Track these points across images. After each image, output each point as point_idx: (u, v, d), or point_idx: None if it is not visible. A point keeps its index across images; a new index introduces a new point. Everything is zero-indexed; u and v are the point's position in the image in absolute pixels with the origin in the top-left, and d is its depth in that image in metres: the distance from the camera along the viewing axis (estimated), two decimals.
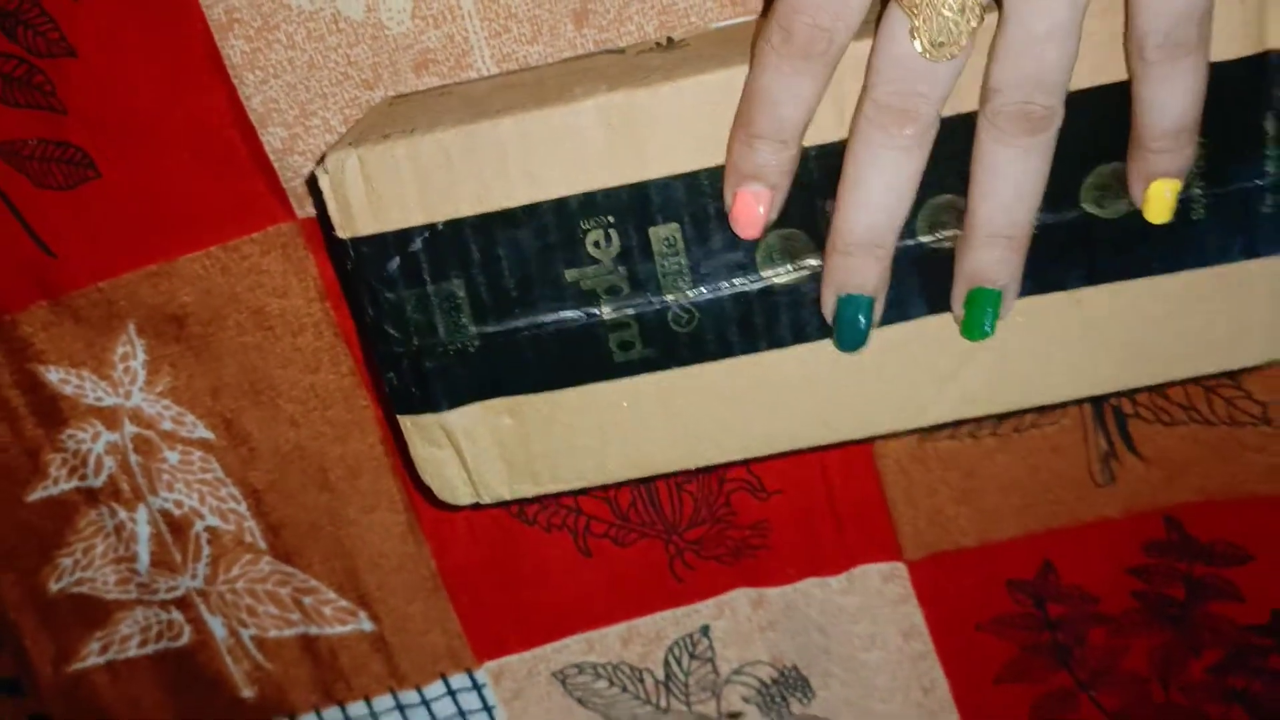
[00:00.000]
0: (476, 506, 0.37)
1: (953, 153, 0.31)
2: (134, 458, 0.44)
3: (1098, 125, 0.31)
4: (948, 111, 0.31)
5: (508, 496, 0.37)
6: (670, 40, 0.37)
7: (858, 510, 0.46)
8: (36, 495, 0.44)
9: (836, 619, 0.48)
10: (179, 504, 0.45)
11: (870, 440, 0.40)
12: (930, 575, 0.47)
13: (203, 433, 0.43)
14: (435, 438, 0.36)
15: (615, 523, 0.46)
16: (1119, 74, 0.30)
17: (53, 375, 0.42)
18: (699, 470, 0.41)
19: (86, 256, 0.40)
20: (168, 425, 0.43)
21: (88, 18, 0.37)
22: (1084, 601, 0.48)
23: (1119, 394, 0.42)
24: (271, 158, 0.39)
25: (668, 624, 0.48)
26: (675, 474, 0.42)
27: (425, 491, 0.37)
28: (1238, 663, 0.49)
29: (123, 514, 0.45)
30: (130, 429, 0.43)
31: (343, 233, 0.33)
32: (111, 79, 0.38)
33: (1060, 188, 0.32)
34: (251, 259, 0.41)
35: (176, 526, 0.45)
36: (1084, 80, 0.30)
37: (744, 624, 0.48)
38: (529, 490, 0.37)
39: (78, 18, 0.37)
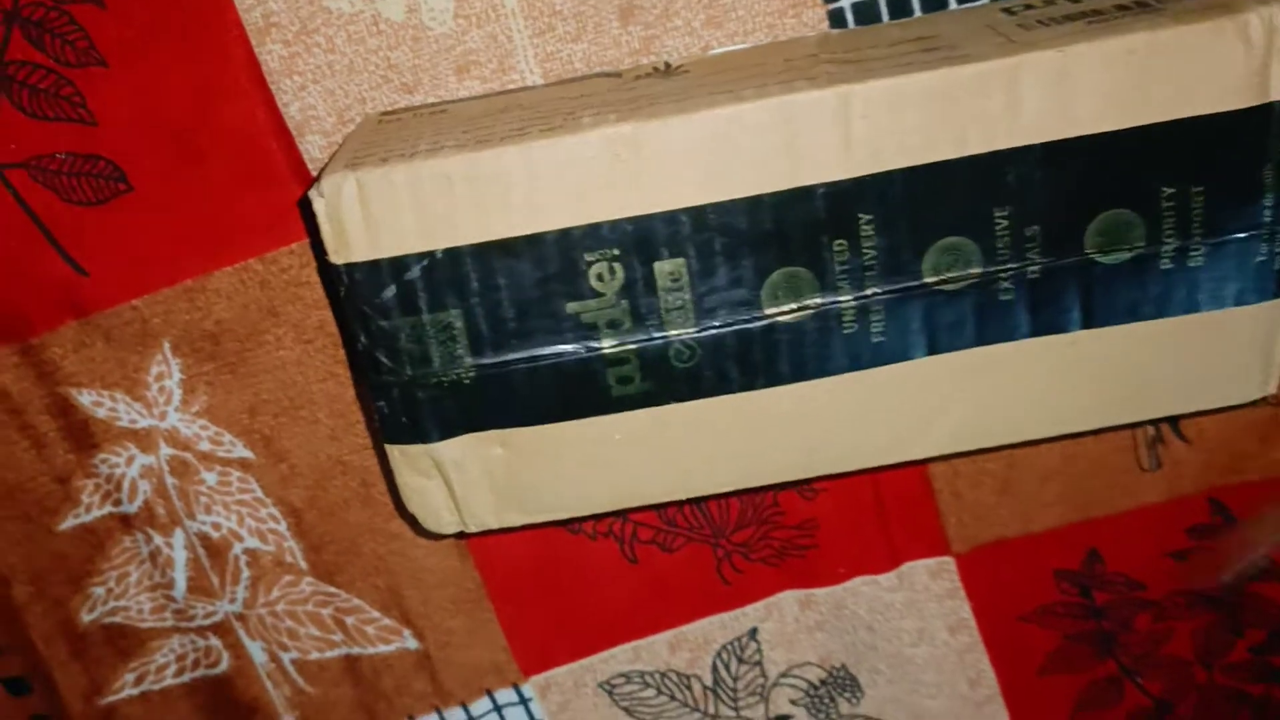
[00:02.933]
0: (461, 535, 0.37)
1: (960, 195, 0.31)
2: (170, 480, 0.42)
3: (1105, 171, 0.31)
4: (956, 154, 0.31)
5: (494, 525, 0.36)
6: (668, 65, 0.36)
7: (905, 505, 0.45)
8: (67, 524, 0.43)
9: (885, 616, 0.47)
10: (217, 526, 0.43)
11: (857, 473, 0.40)
12: (978, 568, 0.47)
13: (241, 452, 0.42)
14: (423, 467, 0.35)
15: (662, 528, 0.45)
16: (1127, 120, 0.31)
17: (84, 398, 0.41)
18: (686, 500, 0.41)
19: (119, 273, 0.39)
20: (205, 446, 0.42)
21: (118, 26, 0.36)
22: (1129, 588, 0.48)
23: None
24: (310, 166, 0.38)
25: (715, 629, 0.47)
26: (661, 505, 0.41)
27: (410, 520, 0.37)
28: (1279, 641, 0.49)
29: (158, 539, 0.43)
30: (166, 451, 0.42)
31: (336, 258, 0.32)
32: (143, 88, 0.37)
33: (1065, 232, 0.32)
34: (291, 271, 0.39)
35: (214, 550, 0.43)
36: (1090, 126, 0.31)
37: (791, 625, 0.47)
38: (516, 520, 0.36)
39: (107, 26, 0.36)
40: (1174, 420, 0.44)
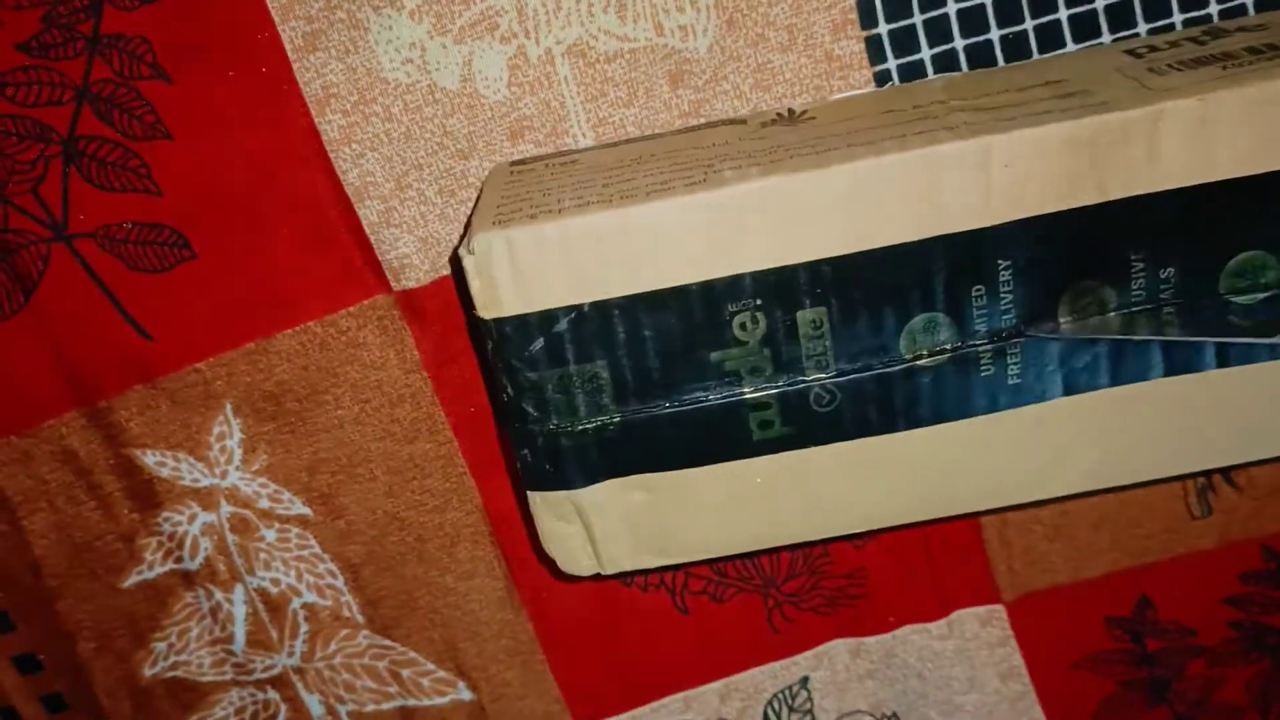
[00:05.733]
0: (598, 578, 0.37)
1: (1096, 240, 0.32)
2: (231, 538, 0.43)
3: (1242, 214, 0.32)
4: (1095, 199, 0.31)
5: (630, 568, 0.37)
6: (791, 112, 0.37)
7: (954, 553, 0.46)
8: (131, 581, 0.43)
9: (935, 664, 0.47)
10: (276, 582, 0.44)
11: (991, 512, 0.40)
12: (1028, 615, 0.47)
13: (300, 509, 0.43)
14: (565, 513, 0.35)
15: (713, 579, 0.46)
16: (1266, 165, 0.31)
17: (149, 459, 0.42)
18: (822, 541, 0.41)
19: (183, 338, 0.40)
20: (265, 503, 0.42)
21: (184, 100, 0.37)
22: (1181, 634, 0.48)
23: None
24: (368, 231, 0.39)
25: (766, 678, 0.47)
26: (800, 545, 0.42)
27: (547, 561, 0.37)
28: None
29: (219, 595, 0.44)
30: (227, 509, 0.42)
31: (486, 314, 0.32)
32: (207, 160, 0.38)
33: (1201, 273, 0.32)
34: (349, 333, 0.40)
35: (273, 605, 0.44)
36: (1228, 171, 0.31)
37: (842, 674, 0.48)
38: (652, 562, 0.37)
39: (174, 100, 0.37)
40: (1225, 469, 0.44)
